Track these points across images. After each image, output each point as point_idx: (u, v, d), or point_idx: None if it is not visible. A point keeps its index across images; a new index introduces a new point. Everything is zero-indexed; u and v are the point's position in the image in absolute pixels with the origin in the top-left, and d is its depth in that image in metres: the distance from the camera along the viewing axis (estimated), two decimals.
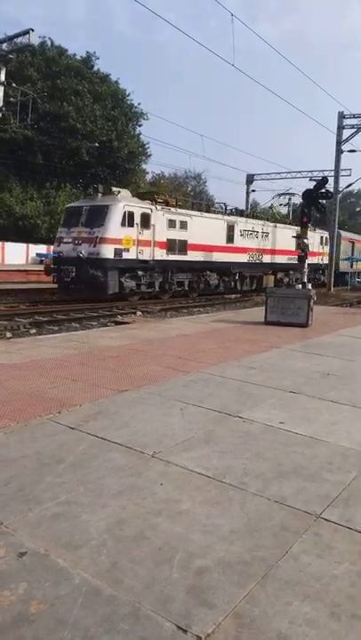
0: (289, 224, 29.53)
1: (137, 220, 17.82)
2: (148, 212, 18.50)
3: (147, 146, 36.19)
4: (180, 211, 20.66)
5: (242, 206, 32.94)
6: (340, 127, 26.09)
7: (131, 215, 17.58)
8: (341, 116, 26.05)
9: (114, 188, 18.76)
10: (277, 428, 4.20)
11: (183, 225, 20.40)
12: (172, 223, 19.76)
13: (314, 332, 10.31)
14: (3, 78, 17.98)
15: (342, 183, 27.92)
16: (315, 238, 29.74)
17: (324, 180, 13.76)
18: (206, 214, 22.67)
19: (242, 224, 24.40)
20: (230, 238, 23.29)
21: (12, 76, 23.42)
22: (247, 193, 37.37)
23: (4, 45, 19.03)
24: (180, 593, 2.10)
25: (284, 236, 27.25)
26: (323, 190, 13.48)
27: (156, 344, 8.23)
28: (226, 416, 4.49)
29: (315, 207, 13.67)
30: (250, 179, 36.89)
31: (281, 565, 2.32)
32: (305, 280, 13.25)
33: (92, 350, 7.50)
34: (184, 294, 21.25)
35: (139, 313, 15.86)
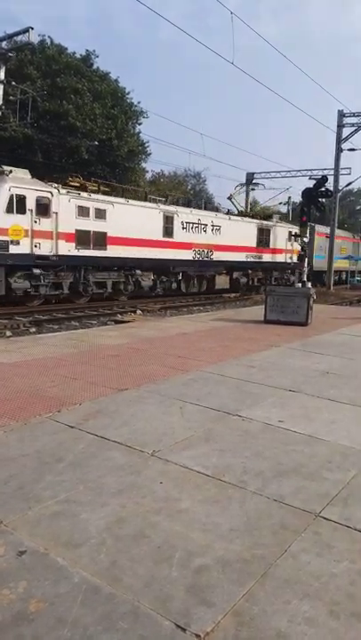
0: (252, 216, 26.85)
1: (30, 205, 14.67)
2: (48, 196, 15.18)
3: (146, 144, 36.16)
4: (95, 197, 17.04)
5: (241, 204, 32.53)
6: (340, 126, 26.07)
7: (21, 199, 14.47)
8: (341, 115, 26.03)
9: (5, 167, 15.10)
10: (277, 427, 4.21)
11: (100, 214, 16.90)
12: (83, 211, 16.30)
13: (313, 330, 10.31)
14: (2, 77, 17.95)
15: (342, 182, 27.96)
16: (281, 232, 27.21)
17: (324, 179, 13.74)
18: (134, 202, 18.84)
19: (184, 215, 20.52)
20: (169, 231, 19.50)
21: (11, 74, 23.37)
22: (247, 192, 37.31)
23: (4, 44, 19.02)
24: (179, 591, 2.10)
25: (243, 231, 24.31)
26: (322, 189, 13.46)
27: (156, 343, 8.23)
28: (225, 415, 4.49)
29: (314, 206, 13.65)
30: (249, 177, 36.83)
31: (280, 564, 2.32)
32: (305, 279, 13.24)
33: (91, 349, 7.50)
34: (108, 297, 18.03)
35: (139, 312, 15.87)
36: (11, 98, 22.53)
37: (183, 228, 20.51)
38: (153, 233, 18.92)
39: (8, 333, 11.33)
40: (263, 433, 4.06)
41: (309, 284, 12.71)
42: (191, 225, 20.94)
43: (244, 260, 24.65)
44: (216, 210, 26.66)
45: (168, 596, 2.08)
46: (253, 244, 25.23)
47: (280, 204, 45.06)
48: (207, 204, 26.95)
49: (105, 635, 1.85)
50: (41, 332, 11.47)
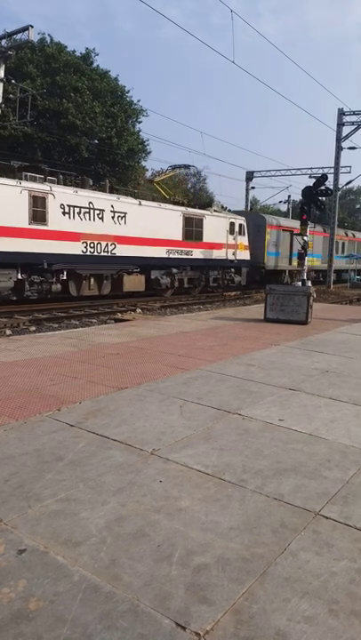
0: (175, 203, 21.52)
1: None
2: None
3: (146, 143, 36.14)
4: None
5: (241, 203, 32.37)
6: (340, 124, 26.05)
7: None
8: (341, 113, 26.01)
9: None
10: (277, 426, 4.21)
11: None
12: None
13: (313, 329, 10.31)
14: (2, 75, 17.92)
15: (342, 180, 27.97)
16: (218, 224, 22.26)
17: (324, 177, 13.74)
18: None
19: (66, 196, 15.48)
20: (39, 217, 14.66)
21: (11, 72, 23.35)
22: (247, 190, 37.30)
23: (4, 42, 18.97)
24: (179, 590, 2.11)
25: (162, 220, 19.17)
26: (322, 187, 13.47)
27: (156, 341, 8.23)
28: (225, 413, 4.49)
29: (314, 204, 13.66)
30: (249, 176, 36.81)
31: (280, 562, 2.33)
32: (304, 277, 13.25)
33: (91, 348, 7.50)
34: None
35: (138, 310, 15.86)
36: (10, 96, 22.52)
37: (65, 213, 15.48)
38: (13, 218, 13.99)
39: (8, 332, 11.33)
40: (263, 431, 4.06)
41: (309, 283, 12.72)
42: (78, 210, 15.89)
43: (165, 256, 19.44)
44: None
45: (168, 594, 2.08)
46: (179, 236, 20.08)
47: (280, 202, 45.01)
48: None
49: (105, 633, 1.85)
50: (41, 331, 11.47)
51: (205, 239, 21.71)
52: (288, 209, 47.85)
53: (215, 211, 22.96)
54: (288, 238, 27.33)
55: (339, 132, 26.16)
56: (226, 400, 4.89)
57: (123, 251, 17.59)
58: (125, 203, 17.88)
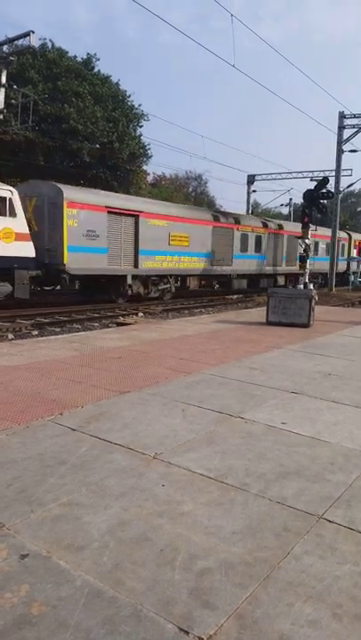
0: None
1: None
2: None
3: (148, 147, 36.22)
4: None
5: (242, 207, 32.05)
6: (341, 127, 26.10)
7: None
8: (342, 116, 26.06)
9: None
10: (279, 429, 4.20)
11: None
12: None
13: (316, 332, 10.29)
14: (4, 80, 17.98)
15: (343, 183, 27.94)
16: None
17: (325, 180, 13.76)
18: None
19: None
20: None
21: (13, 77, 23.47)
22: (248, 193, 37.37)
23: (5, 48, 19.07)
24: (182, 594, 2.10)
25: None
26: (324, 190, 13.48)
27: (158, 345, 8.23)
28: (228, 417, 4.48)
29: (316, 207, 13.67)
30: (251, 179, 36.89)
31: (283, 566, 2.32)
32: (306, 280, 13.24)
33: (93, 351, 7.51)
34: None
35: (140, 314, 15.88)
36: (12, 101, 22.61)
37: None
38: None
39: (10, 336, 11.34)
40: (266, 435, 4.05)
41: (311, 286, 12.71)
42: None
43: None
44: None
45: (171, 598, 2.07)
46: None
47: (281, 205, 45.06)
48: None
49: (107, 638, 1.85)
50: (43, 335, 11.47)
51: None
52: (290, 212, 47.90)
53: None
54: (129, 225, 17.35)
55: (340, 134, 26.20)
56: (228, 403, 4.88)
57: None
58: None
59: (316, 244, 29.60)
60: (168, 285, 19.60)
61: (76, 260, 15.25)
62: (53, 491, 2.99)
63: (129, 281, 17.35)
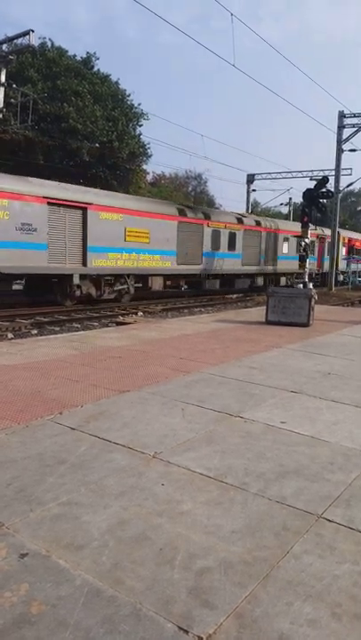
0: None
1: None
2: None
3: (147, 146, 36.20)
4: None
5: (242, 206, 31.82)
6: (341, 126, 26.09)
7: None
8: (342, 116, 26.05)
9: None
10: (279, 428, 4.20)
11: None
12: None
13: (315, 331, 10.30)
14: (3, 79, 17.98)
15: (343, 182, 27.94)
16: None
17: (325, 180, 13.74)
18: None
19: None
20: None
21: (12, 77, 23.45)
22: (248, 193, 37.37)
23: (5, 46, 19.06)
24: (181, 594, 2.10)
25: None
26: (323, 190, 13.47)
27: (158, 344, 8.23)
28: (227, 416, 4.48)
29: (315, 207, 13.65)
30: (250, 178, 36.87)
31: (282, 565, 2.32)
32: (306, 280, 13.24)
33: (93, 351, 7.51)
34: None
35: (140, 313, 15.88)
36: (12, 100, 22.61)
37: None
38: None
39: (10, 335, 11.34)
40: (265, 434, 4.06)
41: (310, 285, 12.71)
42: None
43: None
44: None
45: (170, 598, 2.07)
46: None
47: (281, 204, 45.02)
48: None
49: (107, 637, 1.85)
50: (42, 334, 11.47)
51: None
52: (289, 211, 47.91)
53: None
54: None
55: (339, 134, 26.19)
56: (228, 403, 4.88)
57: None
58: None
59: (287, 240, 27.13)
60: (125, 286, 17.72)
61: (6, 258, 13.48)
62: (53, 490, 2.99)
63: (76, 281, 15.52)
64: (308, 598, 2.10)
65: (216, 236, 21.47)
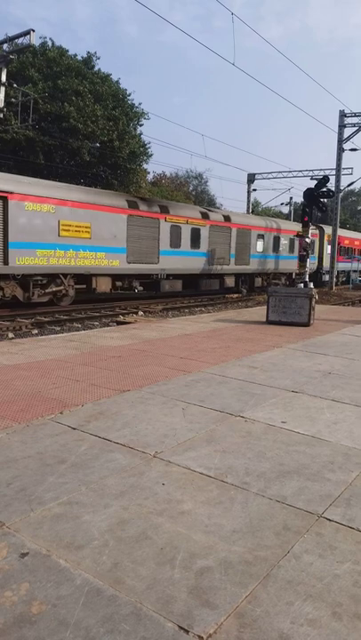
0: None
1: None
2: None
3: (148, 146, 36.19)
4: None
5: (243, 205, 31.49)
6: (342, 126, 26.08)
7: None
8: (343, 115, 26.04)
9: None
10: (279, 428, 4.20)
11: None
12: None
13: (316, 331, 10.29)
14: (4, 79, 17.98)
15: (344, 182, 27.92)
16: None
17: (326, 179, 13.73)
18: None
19: None
20: None
21: (13, 76, 23.50)
22: (248, 192, 37.34)
23: (5, 46, 19.05)
24: (181, 593, 2.10)
25: None
26: (324, 189, 13.45)
27: (158, 344, 8.23)
28: (228, 416, 4.48)
29: (316, 206, 13.64)
30: (251, 178, 36.86)
31: (283, 565, 2.32)
32: (306, 279, 13.23)
33: (93, 350, 7.51)
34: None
35: (140, 313, 15.88)
36: (12, 100, 22.64)
37: None
38: None
39: (10, 335, 11.35)
40: (265, 434, 4.06)
41: (311, 285, 12.70)
42: None
43: None
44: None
45: (170, 597, 2.07)
46: None
47: (282, 204, 44.94)
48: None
49: (107, 637, 1.85)
50: (43, 334, 11.48)
51: None
52: (290, 211, 47.89)
53: None
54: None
55: (340, 133, 26.19)
56: (228, 402, 4.88)
57: None
58: None
59: (277, 239, 25.69)
60: (62, 287, 15.59)
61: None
62: (53, 489, 3.00)
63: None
64: (309, 598, 2.10)
65: (176, 231, 19.34)
